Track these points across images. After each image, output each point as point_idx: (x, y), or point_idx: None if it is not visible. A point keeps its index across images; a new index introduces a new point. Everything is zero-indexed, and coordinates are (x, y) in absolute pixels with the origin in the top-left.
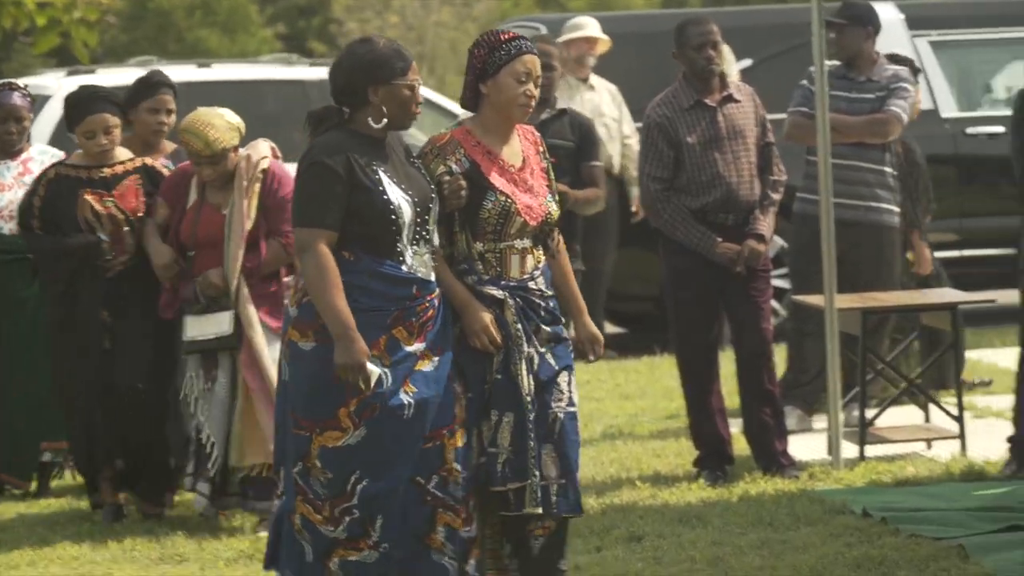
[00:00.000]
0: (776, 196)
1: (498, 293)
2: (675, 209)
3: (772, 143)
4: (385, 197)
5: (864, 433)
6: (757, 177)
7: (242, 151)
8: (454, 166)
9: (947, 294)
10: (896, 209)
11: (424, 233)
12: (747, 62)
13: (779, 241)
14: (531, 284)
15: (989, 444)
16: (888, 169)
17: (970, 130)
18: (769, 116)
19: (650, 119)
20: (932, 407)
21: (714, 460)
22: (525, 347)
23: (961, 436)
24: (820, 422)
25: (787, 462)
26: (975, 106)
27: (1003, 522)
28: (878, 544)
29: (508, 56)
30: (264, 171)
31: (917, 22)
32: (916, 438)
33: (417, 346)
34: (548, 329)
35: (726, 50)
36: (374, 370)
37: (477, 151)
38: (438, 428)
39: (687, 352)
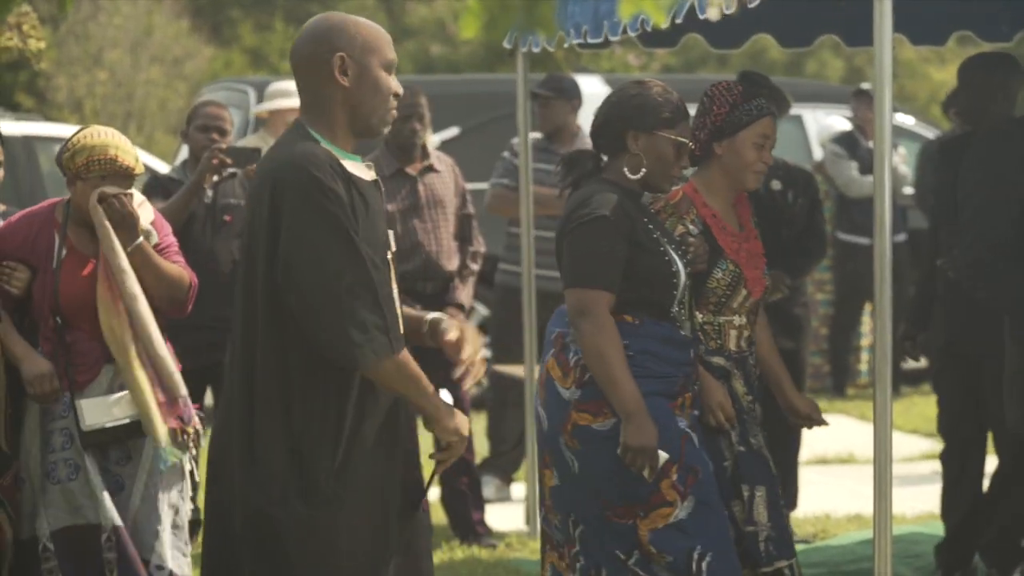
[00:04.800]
0: (475, 266)
1: (725, 364)
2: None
3: (471, 214)
4: (667, 258)
5: None
6: (456, 247)
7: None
8: (691, 227)
9: None
10: None
11: (686, 297)
12: (454, 130)
13: (482, 310)
14: (749, 359)
15: None
16: None
17: None
18: (475, 185)
19: None
20: None
21: None
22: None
23: None
24: (518, 492)
25: (483, 531)
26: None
27: None
28: None
29: (750, 118)
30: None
31: None
32: None
33: (693, 414)
34: (758, 407)
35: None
36: (662, 454)
37: (706, 212)
38: (629, 504)
39: None
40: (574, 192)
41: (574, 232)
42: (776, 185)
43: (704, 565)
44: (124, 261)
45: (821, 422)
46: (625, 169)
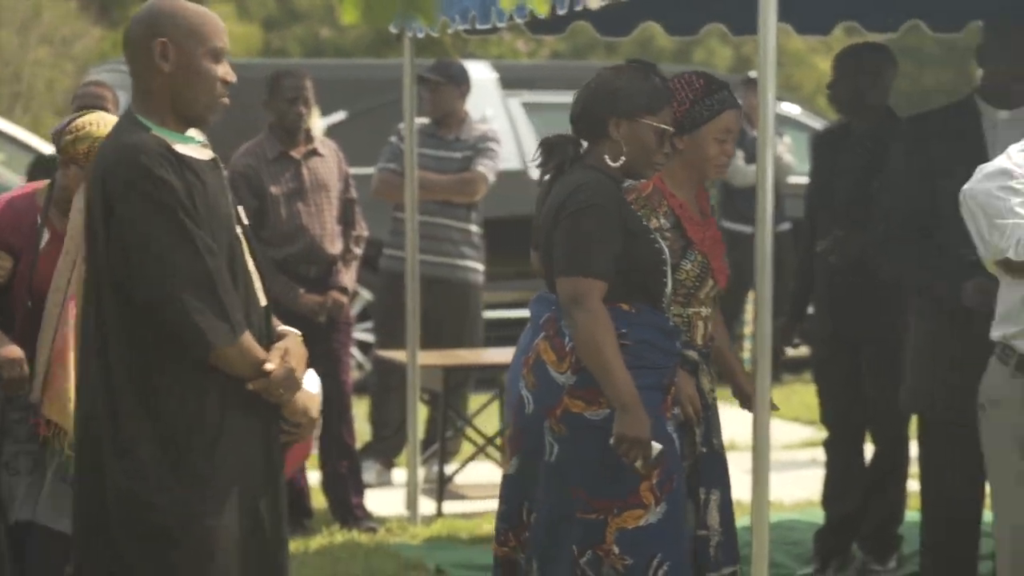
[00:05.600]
0: (358, 250)
1: (696, 357)
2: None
3: (354, 198)
4: (657, 246)
5: (443, 489)
6: (340, 231)
7: None
8: (663, 220)
9: None
10: (481, 267)
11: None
12: (341, 115)
13: (365, 295)
14: (711, 354)
15: None
16: (474, 228)
17: None
18: (362, 170)
19: (235, 168)
20: None
21: (292, 512)
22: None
23: None
24: (399, 477)
25: (363, 515)
26: None
27: None
28: None
29: (711, 113)
30: None
31: (510, 82)
32: (493, 495)
33: (675, 413)
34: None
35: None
36: (656, 445)
37: (675, 203)
38: (607, 499)
39: None
40: (555, 178)
41: (568, 219)
42: None
43: (660, 573)
44: None
45: (773, 408)
46: (606, 156)
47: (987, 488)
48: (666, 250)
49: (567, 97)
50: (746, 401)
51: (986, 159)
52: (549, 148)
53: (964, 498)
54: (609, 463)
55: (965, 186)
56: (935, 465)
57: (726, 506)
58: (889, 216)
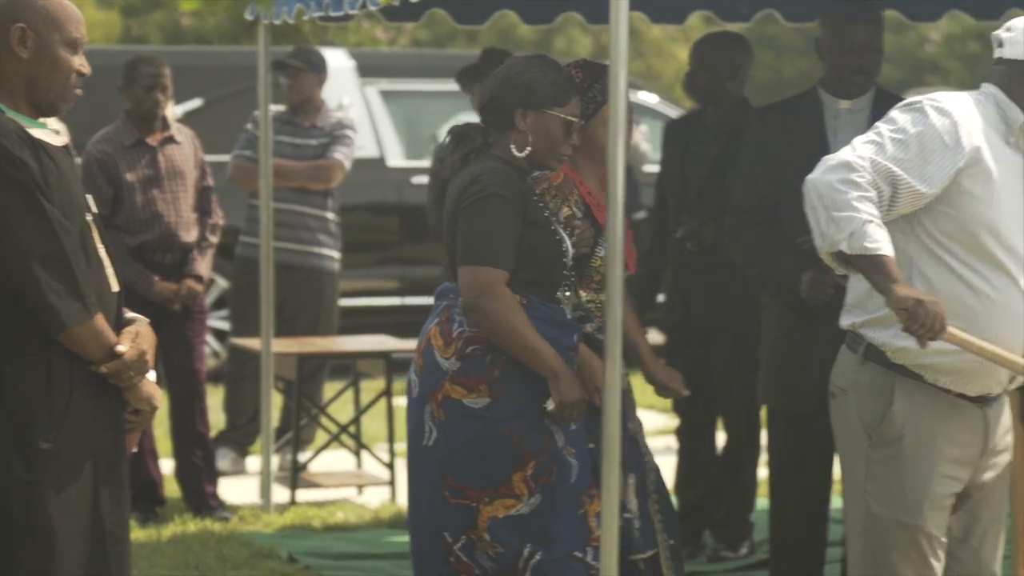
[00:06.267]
0: (214, 239)
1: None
2: (113, 247)
3: (210, 186)
4: (557, 237)
5: (296, 477)
6: (196, 219)
7: None
8: (575, 209)
9: (383, 342)
10: (337, 255)
11: (571, 279)
12: (197, 102)
13: (221, 282)
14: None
15: None
16: (330, 215)
17: (415, 180)
18: (218, 157)
19: (90, 155)
20: (365, 454)
21: (145, 501)
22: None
23: (392, 483)
24: (254, 465)
25: (216, 504)
26: (421, 155)
27: None
28: None
29: (597, 104)
30: None
31: (367, 70)
32: (347, 484)
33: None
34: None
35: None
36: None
37: (584, 191)
38: (479, 488)
39: None
40: (463, 168)
41: (469, 209)
42: None
43: (531, 564)
44: None
45: (681, 391)
46: (512, 146)
47: (836, 475)
48: (568, 241)
49: (425, 85)
50: (660, 389)
51: (828, 150)
52: (457, 137)
53: (812, 486)
54: (483, 452)
55: (808, 177)
56: (783, 453)
57: (642, 490)
58: (739, 205)
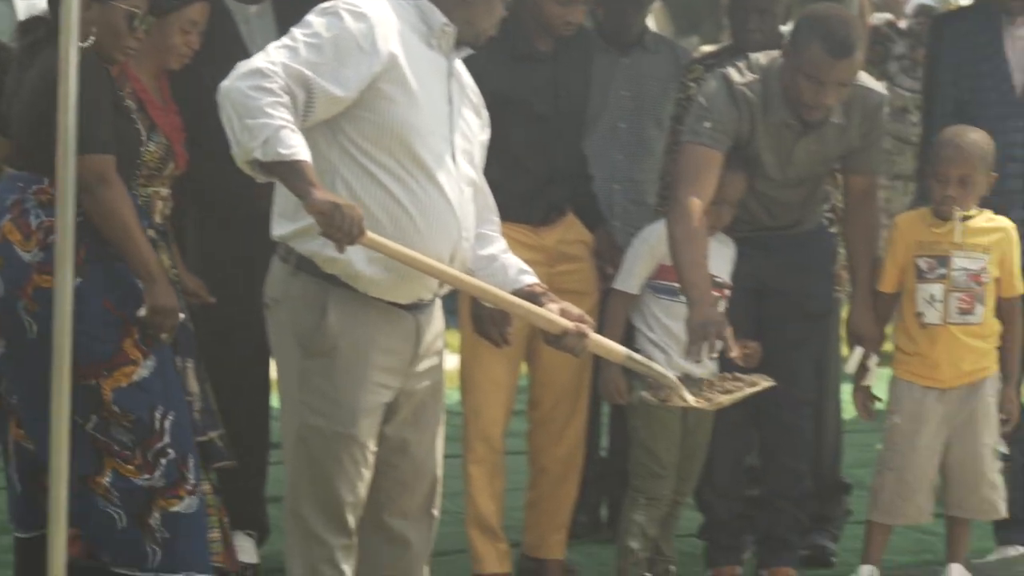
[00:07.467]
0: None
1: (155, 236)
2: None
3: None
4: (136, 126)
5: None
6: None
7: None
8: (129, 101)
9: None
10: None
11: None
12: None
13: None
14: (170, 234)
15: None
16: None
17: None
18: None
19: None
20: None
21: None
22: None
23: None
24: None
25: None
26: None
27: None
28: None
29: (181, 2)
30: None
31: None
32: None
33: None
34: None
35: None
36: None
37: (139, 87)
38: (93, 363)
39: None
40: (29, 59)
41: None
42: None
43: (167, 424)
44: None
45: (207, 299)
46: None
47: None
48: (144, 131)
49: None
50: (186, 294)
51: (246, 55)
52: (24, 29)
53: None
54: (87, 328)
55: (221, 84)
56: None
57: (202, 375)
58: None
